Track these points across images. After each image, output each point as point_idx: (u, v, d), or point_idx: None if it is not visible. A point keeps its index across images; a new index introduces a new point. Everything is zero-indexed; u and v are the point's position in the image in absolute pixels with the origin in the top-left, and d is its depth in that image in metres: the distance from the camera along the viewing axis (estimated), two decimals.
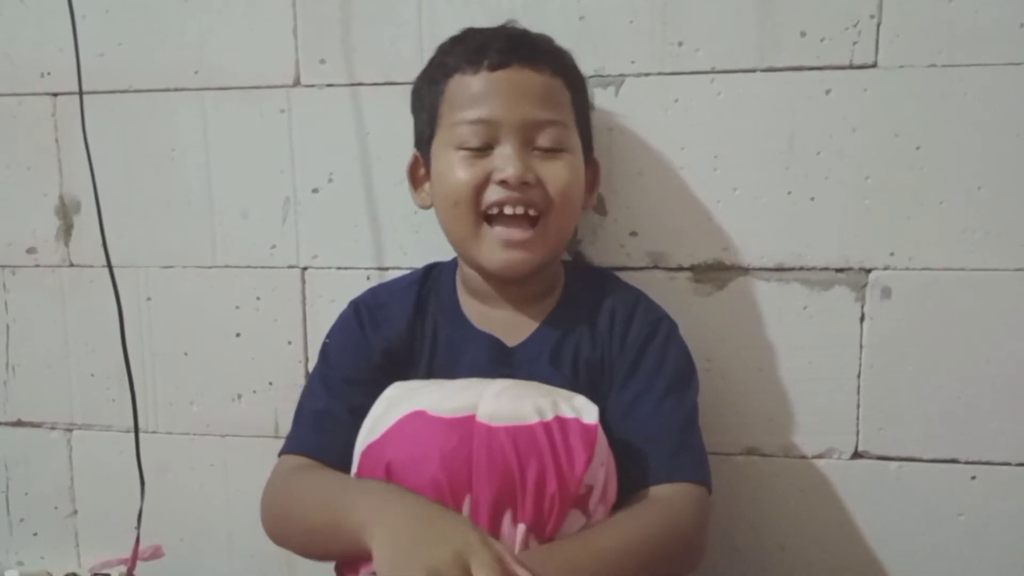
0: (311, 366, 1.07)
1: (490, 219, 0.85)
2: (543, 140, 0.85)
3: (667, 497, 0.80)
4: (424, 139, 0.90)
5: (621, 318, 0.89)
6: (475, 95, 0.85)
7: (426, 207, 0.93)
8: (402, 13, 1.01)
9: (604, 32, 0.97)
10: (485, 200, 0.85)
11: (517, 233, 0.84)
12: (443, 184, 0.86)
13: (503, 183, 0.83)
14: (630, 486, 0.81)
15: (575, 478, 0.71)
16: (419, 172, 0.93)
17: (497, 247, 0.85)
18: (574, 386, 0.84)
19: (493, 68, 0.84)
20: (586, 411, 0.75)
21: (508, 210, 0.84)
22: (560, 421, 0.73)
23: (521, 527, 0.71)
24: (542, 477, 0.71)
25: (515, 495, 0.71)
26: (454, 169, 0.85)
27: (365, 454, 0.77)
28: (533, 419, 0.72)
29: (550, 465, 0.71)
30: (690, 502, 0.81)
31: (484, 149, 0.84)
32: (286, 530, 0.81)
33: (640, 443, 0.83)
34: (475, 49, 0.86)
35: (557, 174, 0.85)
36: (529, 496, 0.71)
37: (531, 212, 0.84)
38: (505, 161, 0.83)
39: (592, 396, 0.79)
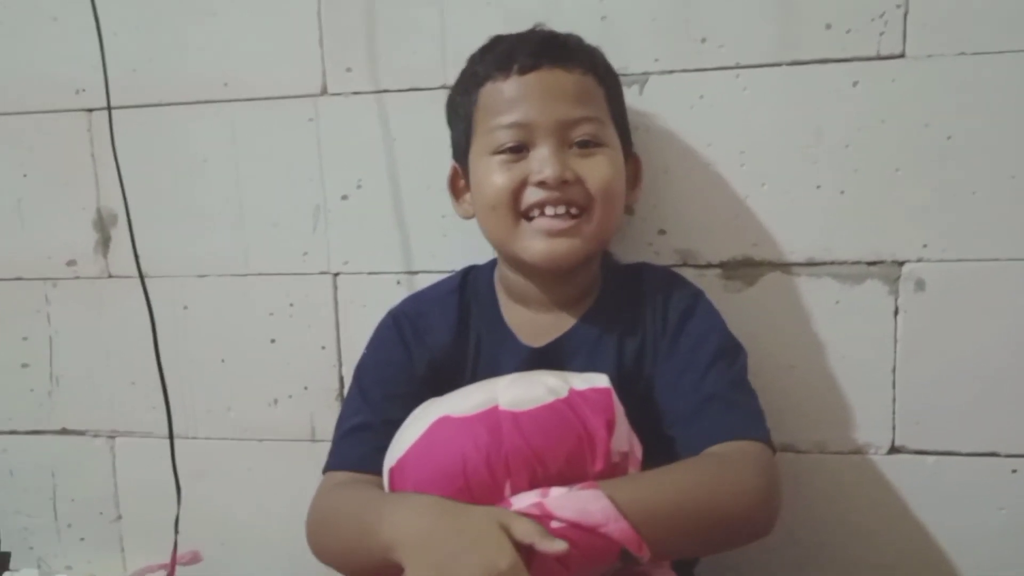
0: (345, 370, 1.09)
1: (530, 219, 0.85)
2: (579, 137, 0.84)
3: (720, 452, 0.77)
4: (461, 150, 0.91)
5: (659, 294, 0.89)
6: (508, 100, 0.85)
7: (468, 217, 0.93)
8: (425, 20, 1.02)
9: (627, 31, 0.97)
10: (524, 202, 0.85)
11: (559, 223, 0.84)
12: (481, 190, 0.87)
13: (542, 184, 0.83)
14: (683, 454, 0.79)
15: (605, 446, 0.72)
16: (459, 183, 0.94)
17: (539, 237, 0.84)
18: (617, 377, 0.84)
19: (523, 71, 0.85)
20: (597, 379, 0.76)
21: (549, 211, 0.84)
22: (577, 394, 0.74)
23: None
24: (575, 451, 0.71)
25: (550, 475, 0.71)
26: (491, 174, 0.85)
27: (395, 471, 0.77)
28: (550, 398, 0.73)
29: (580, 438, 0.72)
30: (749, 457, 0.77)
31: (520, 152, 0.84)
32: (325, 550, 0.82)
33: (690, 410, 0.82)
34: (504, 55, 0.86)
35: (596, 170, 0.85)
36: (565, 473, 0.71)
37: (572, 211, 0.84)
38: (542, 163, 0.83)
39: (640, 383, 0.83)
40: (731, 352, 0.86)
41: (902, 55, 0.92)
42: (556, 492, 0.69)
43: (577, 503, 0.68)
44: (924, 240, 0.94)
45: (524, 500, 0.69)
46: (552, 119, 0.83)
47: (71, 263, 1.16)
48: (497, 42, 0.90)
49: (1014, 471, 0.96)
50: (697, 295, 0.90)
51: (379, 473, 0.81)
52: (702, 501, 0.72)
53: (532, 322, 0.90)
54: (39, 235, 1.16)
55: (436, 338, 0.91)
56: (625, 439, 0.74)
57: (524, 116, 0.84)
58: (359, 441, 0.86)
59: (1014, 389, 0.95)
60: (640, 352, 0.87)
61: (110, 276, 1.15)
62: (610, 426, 0.72)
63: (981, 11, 0.90)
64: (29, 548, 1.23)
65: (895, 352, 0.97)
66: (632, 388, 0.86)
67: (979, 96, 0.91)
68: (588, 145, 0.85)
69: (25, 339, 1.19)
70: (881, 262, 0.96)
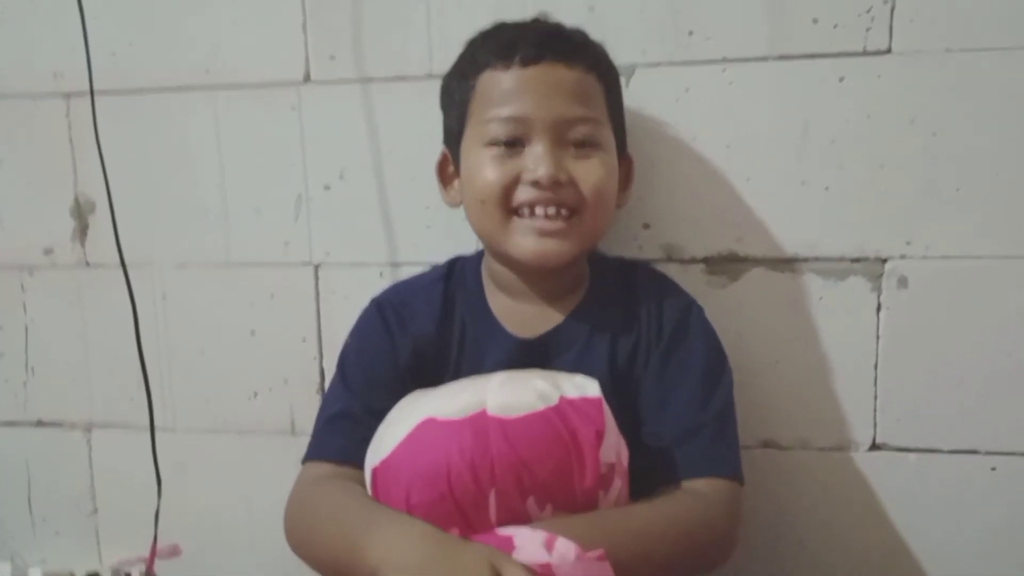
0: (326, 363, 1.08)
1: (520, 215, 0.84)
2: (576, 138, 0.83)
3: (701, 490, 0.80)
4: (453, 136, 0.89)
5: (654, 298, 0.88)
6: (506, 92, 0.83)
7: (456, 205, 0.91)
8: (411, 8, 1.00)
9: (614, 23, 0.96)
10: (515, 199, 0.83)
11: (551, 224, 0.83)
12: (472, 182, 0.85)
13: (535, 183, 0.82)
14: (664, 477, 0.81)
15: (594, 458, 0.71)
16: (448, 170, 0.92)
17: (530, 235, 0.83)
18: (611, 375, 0.84)
19: (525, 64, 0.82)
20: (589, 387, 0.75)
21: (539, 210, 0.83)
22: (567, 402, 0.73)
23: (549, 508, 0.71)
24: (563, 462, 0.71)
25: (537, 484, 0.70)
26: (483, 167, 0.84)
27: (379, 472, 0.76)
28: (540, 406, 0.72)
29: (568, 449, 0.71)
30: (724, 497, 0.80)
31: (515, 147, 0.83)
32: (303, 550, 0.80)
33: (675, 436, 0.83)
34: (506, 44, 0.84)
35: (590, 172, 0.83)
36: (553, 483, 0.71)
37: (563, 212, 0.83)
38: (537, 161, 0.82)
39: (630, 382, 0.84)
40: (719, 373, 0.87)
41: (888, 51, 0.92)
42: (563, 548, 0.67)
43: (585, 573, 0.67)
44: (907, 237, 0.95)
45: (528, 543, 0.67)
46: (550, 116, 0.82)
47: (48, 251, 1.14)
48: (499, 29, 0.88)
49: (994, 469, 0.96)
50: (691, 305, 0.89)
51: (360, 466, 0.80)
52: (683, 552, 0.75)
53: (519, 313, 0.89)
54: (15, 223, 1.15)
55: (420, 326, 0.89)
56: (613, 450, 0.74)
57: (522, 110, 0.82)
58: (341, 431, 0.85)
59: (995, 387, 0.95)
60: (634, 353, 0.87)
61: (87, 265, 1.13)
62: (599, 438, 0.72)
63: (968, 7, 0.90)
64: (2, 542, 1.22)
65: (877, 349, 0.97)
66: (624, 387, 0.86)
67: (965, 93, 0.91)
68: (584, 146, 0.83)
69: (0, 328, 1.17)
70: (864, 259, 0.96)
